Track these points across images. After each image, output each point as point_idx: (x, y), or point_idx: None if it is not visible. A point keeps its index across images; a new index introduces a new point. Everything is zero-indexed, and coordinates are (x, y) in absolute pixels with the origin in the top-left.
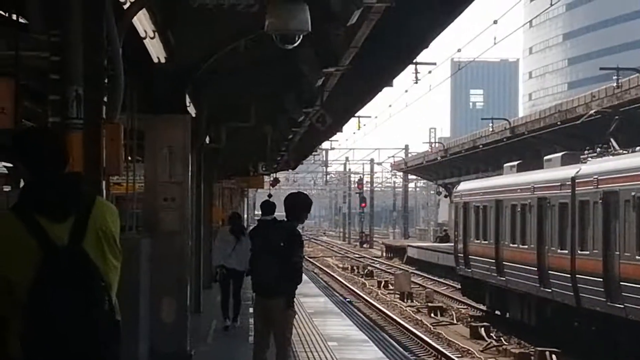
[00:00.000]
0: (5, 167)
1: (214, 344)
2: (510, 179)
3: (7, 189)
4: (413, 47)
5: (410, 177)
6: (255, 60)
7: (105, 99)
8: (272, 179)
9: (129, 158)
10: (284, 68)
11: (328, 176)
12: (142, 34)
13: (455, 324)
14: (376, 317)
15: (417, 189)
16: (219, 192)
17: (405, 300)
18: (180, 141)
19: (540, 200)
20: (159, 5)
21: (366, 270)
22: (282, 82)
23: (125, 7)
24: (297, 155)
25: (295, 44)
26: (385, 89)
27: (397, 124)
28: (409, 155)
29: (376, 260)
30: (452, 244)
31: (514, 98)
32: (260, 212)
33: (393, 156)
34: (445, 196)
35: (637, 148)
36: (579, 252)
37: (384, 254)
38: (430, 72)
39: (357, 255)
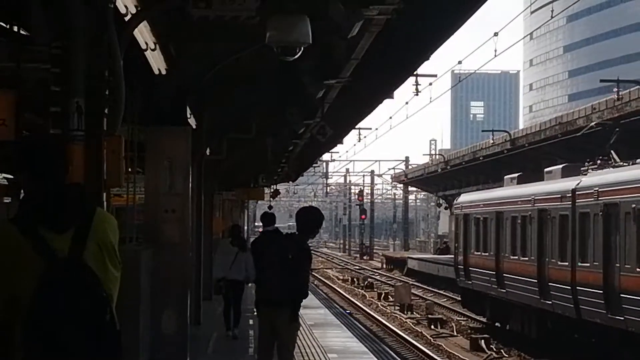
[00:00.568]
0: (5, 178)
1: (214, 355)
2: (511, 191)
3: (7, 200)
4: (414, 59)
5: (411, 188)
6: (256, 72)
7: (106, 110)
8: (272, 190)
9: (130, 170)
10: (285, 80)
11: (328, 188)
12: (143, 46)
13: (456, 336)
14: (376, 328)
15: (418, 200)
16: (220, 204)
17: (406, 312)
18: (180, 153)
19: (541, 212)
20: (160, 18)
21: (366, 282)
22: (283, 94)
23: (127, 19)
24: (298, 166)
25: (296, 56)
26: (386, 101)
27: (397, 135)
28: (410, 167)
29: (376, 272)
30: (453, 256)
31: (515, 110)
32: (260, 224)
33: (393, 168)
34: (446, 208)
35: (638, 160)
36: (579, 264)
37: (384, 266)
38: (430, 84)
39: (357, 267)
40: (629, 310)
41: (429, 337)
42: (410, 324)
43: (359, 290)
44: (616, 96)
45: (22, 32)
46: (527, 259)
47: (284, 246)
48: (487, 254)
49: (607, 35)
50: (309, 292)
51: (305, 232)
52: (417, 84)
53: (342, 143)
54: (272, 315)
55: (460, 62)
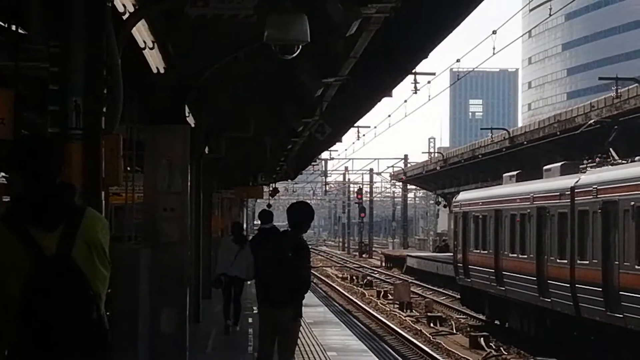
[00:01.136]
0: (4, 177)
1: (213, 353)
2: (510, 188)
3: (6, 199)
4: (412, 57)
5: (410, 187)
6: (254, 71)
7: (104, 109)
8: (271, 189)
9: (128, 168)
10: (283, 78)
11: (327, 186)
12: (142, 45)
13: (455, 334)
14: (375, 327)
15: (417, 199)
16: (219, 202)
17: (405, 310)
18: (179, 151)
19: (540, 210)
20: (158, 16)
21: (365, 280)
22: (282, 92)
23: (125, 17)
24: (297, 165)
25: (295, 55)
26: (385, 99)
27: (396, 134)
28: (408, 165)
29: (375, 270)
30: (452, 254)
31: (513, 108)
32: (259, 222)
33: (392, 166)
34: (445, 206)
35: (637, 158)
36: (578, 261)
37: (383, 264)
38: (429, 82)
39: (356, 265)
40: (628, 307)
41: (429, 335)
42: (410, 322)
43: (358, 288)
44: (615, 94)
45: (20, 30)
46: (526, 256)
47: (280, 244)
48: (486, 251)
49: (605, 33)
50: (309, 290)
51: (299, 227)
52: (415, 82)
53: (341, 141)
54: (274, 314)
55: (458, 60)
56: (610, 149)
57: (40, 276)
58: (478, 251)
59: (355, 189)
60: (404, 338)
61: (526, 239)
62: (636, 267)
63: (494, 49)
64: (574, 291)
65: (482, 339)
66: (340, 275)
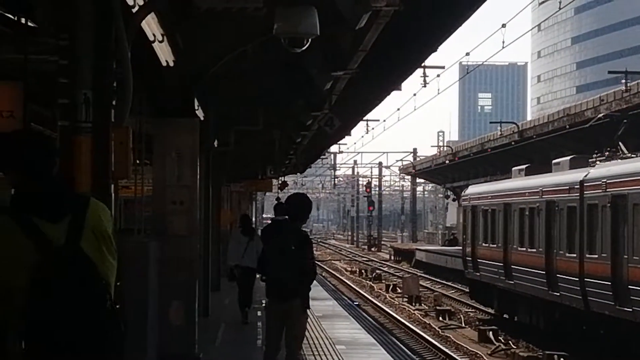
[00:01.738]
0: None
1: (222, 346)
2: (519, 182)
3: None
4: (421, 50)
5: (419, 180)
6: (263, 64)
7: (113, 102)
8: (280, 182)
9: (138, 161)
10: (293, 71)
11: (336, 179)
12: (151, 38)
13: (464, 328)
14: (384, 320)
15: (425, 192)
16: (228, 196)
17: (414, 304)
18: (188, 144)
19: (549, 203)
20: (167, 9)
21: (374, 273)
22: (291, 85)
23: (134, 10)
24: (306, 158)
25: (304, 48)
26: (394, 93)
27: (405, 127)
28: (417, 158)
29: (384, 264)
30: (460, 248)
31: (522, 101)
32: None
33: (401, 159)
34: (454, 200)
35: None
36: (587, 255)
37: (392, 258)
38: (438, 75)
39: (365, 259)
40: (637, 301)
41: (437, 329)
42: (419, 315)
43: (367, 282)
44: (624, 88)
45: (29, 24)
46: (535, 250)
47: (285, 237)
48: (495, 245)
49: (615, 26)
50: (317, 283)
51: (299, 219)
52: (424, 75)
53: (350, 135)
54: (283, 306)
55: (468, 54)
56: (620, 143)
57: (51, 266)
58: (487, 245)
59: (364, 183)
60: (412, 332)
61: (535, 232)
62: None
63: (503, 42)
64: (582, 285)
65: (490, 332)
66: (349, 269)
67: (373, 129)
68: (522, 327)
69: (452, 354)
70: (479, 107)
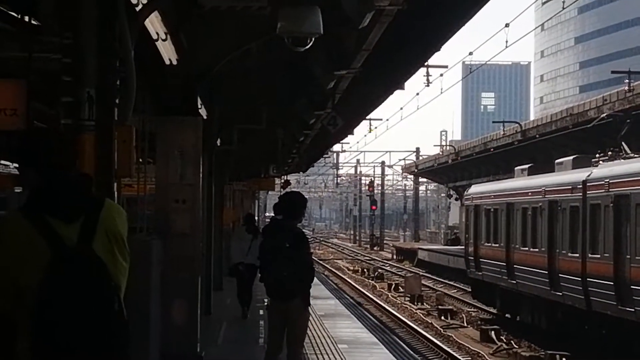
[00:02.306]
0: (17, 167)
1: (224, 345)
2: (522, 182)
3: (18, 190)
4: (424, 50)
5: (421, 179)
6: (267, 63)
7: (117, 100)
8: (283, 181)
9: (140, 160)
10: (296, 70)
11: (339, 179)
12: (154, 36)
13: (466, 327)
14: (386, 319)
15: (428, 191)
16: (230, 194)
17: (416, 303)
18: (191, 143)
19: (552, 203)
20: (171, 8)
21: (376, 272)
22: (294, 84)
23: (138, 9)
24: (308, 157)
25: (307, 47)
26: (397, 92)
27: (408, 126)
28: (420, 158)
29: (386, 263)
30: (463, 247)
31: (525, 101)
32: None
33: (404, 159)
34: (456, 199)
35: None
36: (589, 255)
37: (395, 257)
38: (441, 75)
39: (367, 258)
40: (639, 301)
41: (439, 328)
42: (421, 314)
43: (369, 281)
44: (627, 87)
45: (33, 22)
46: (537, 250)
47: (279, 235)
48: (497, 245)
49: (618, 26)
50: (320, 282)
51: (295, 217)
52: (428, 74)
53: (352, 134)
54: (284, 305)
55: (471, 53)
56: (623, 143)
57: (62, 266)
58: (489, 244)
59: (367, 182)
60: (414, 331)
61: (538, 232)
62: None
63: (506, 42)
64: (585, 285)
65: (493, 332)
66: (352, 268)
67: (376, 128)
68: (525, 326)
69: (454, 353)
70: (482, 107)
